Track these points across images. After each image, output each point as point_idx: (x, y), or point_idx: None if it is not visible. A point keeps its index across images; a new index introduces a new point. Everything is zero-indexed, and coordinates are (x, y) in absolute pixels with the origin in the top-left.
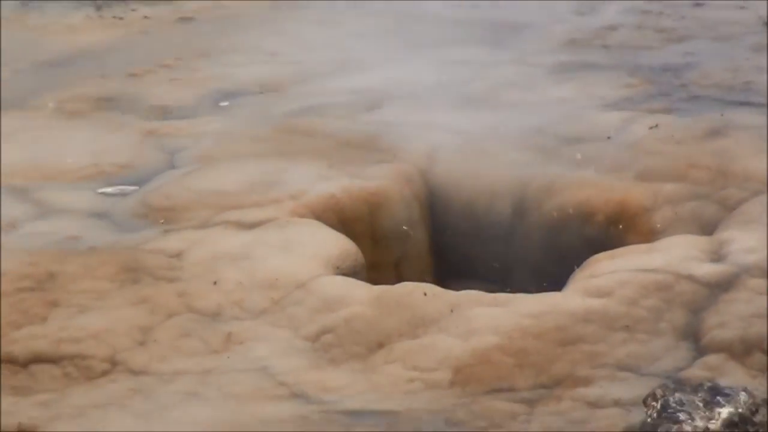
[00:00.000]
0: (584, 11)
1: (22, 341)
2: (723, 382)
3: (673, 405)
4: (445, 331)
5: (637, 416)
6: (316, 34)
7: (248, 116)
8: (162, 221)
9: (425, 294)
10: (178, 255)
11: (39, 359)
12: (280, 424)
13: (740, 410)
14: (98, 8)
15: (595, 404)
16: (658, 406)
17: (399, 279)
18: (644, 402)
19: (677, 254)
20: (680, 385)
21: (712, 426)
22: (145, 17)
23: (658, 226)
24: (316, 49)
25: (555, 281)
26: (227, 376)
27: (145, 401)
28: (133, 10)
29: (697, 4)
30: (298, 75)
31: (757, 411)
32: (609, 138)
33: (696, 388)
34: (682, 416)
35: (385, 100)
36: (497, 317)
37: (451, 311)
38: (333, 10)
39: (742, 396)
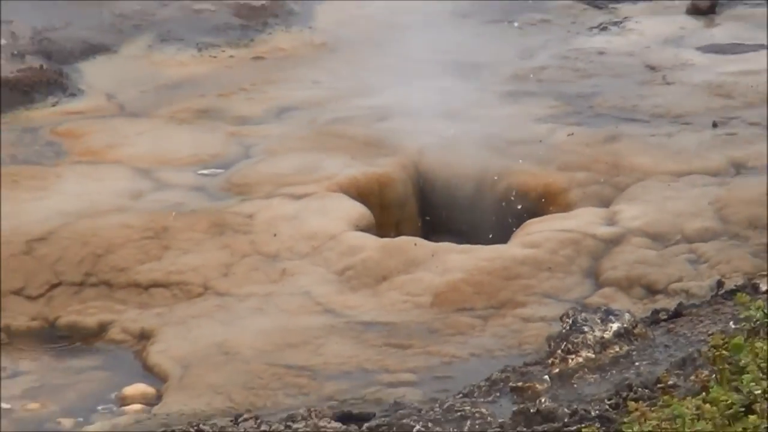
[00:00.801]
0: (524, 56)
1: (144, 272)
2: (614, 306)
3: (580, 321)
4: (428, 270)
5: (556, 328)
6: (345, 69)
7: (298, 124)
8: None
9: (415, 244)
10: (251, 216)
11: (155, 284)
12: (317, 330)
13: (625, 325)
14: (199, 49)
15: (528, 320)
16: (570, 322)
17: (398, 234)
18: (561, 318)
19: (584, 220)
20: (585, 307)
21: (606, 335)
22: (231, 56)
23: (572, 201)
24: (345, 80)
25: (503, 237)
26: (281, 298)
27: (226, 313)
28: (222, 51)
29: (601, 53)
30: (332, 96)
31: (636, 326)
32: (540, 141)
33: (595, 310)
34: (586, 328)
35: (390, 114)
36: (463, 260)
37: (432, 256)
38: (357, 54)
39: (627, 316)
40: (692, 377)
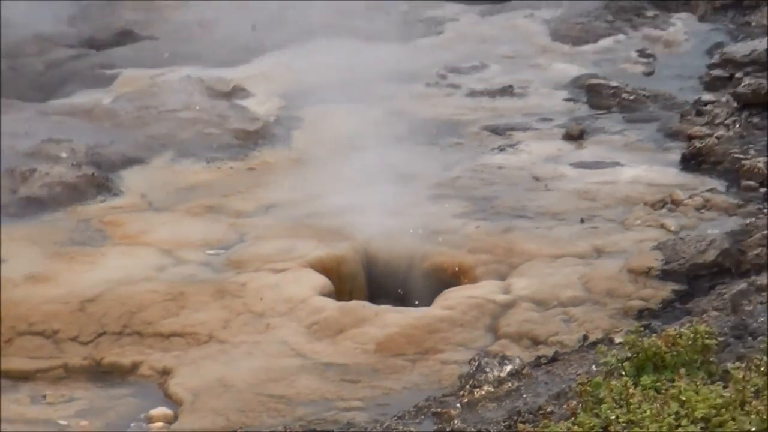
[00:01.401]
0: (445, 169)
1: (166, 325)
2: (508, 353)
3: (483, 363)
4: (373, 325)
5: (466, 369)
6: (314, 177)
7: (279, 217)
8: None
9: (363, 307)
10: (244, 284)
11: (174, 334)
12: (291, 369)
13: (516, 367)
14: (208, 162)
15: (445, 362)
16: (476, 364)
17: (351, 299)
18: (469, 362)
19: (487, 290)
20: (487, 354)
21: (502, 375)
22: (231, 167)
23: (478, 275)
24: (314, 185)
25: (427, 302)
26: (266, 345)
27: (225, 356)
28: (225, 163)
29: (500, 167)
30: (304, 197)
31: (524, 368)
32: (455, 232)
33: (494, 355)
34: (487, 369)
35: (346, 211)
36: (399, 318)
37: (376, 315)
38: (323, 166)
39: (517, 360)
40: (564, 406)
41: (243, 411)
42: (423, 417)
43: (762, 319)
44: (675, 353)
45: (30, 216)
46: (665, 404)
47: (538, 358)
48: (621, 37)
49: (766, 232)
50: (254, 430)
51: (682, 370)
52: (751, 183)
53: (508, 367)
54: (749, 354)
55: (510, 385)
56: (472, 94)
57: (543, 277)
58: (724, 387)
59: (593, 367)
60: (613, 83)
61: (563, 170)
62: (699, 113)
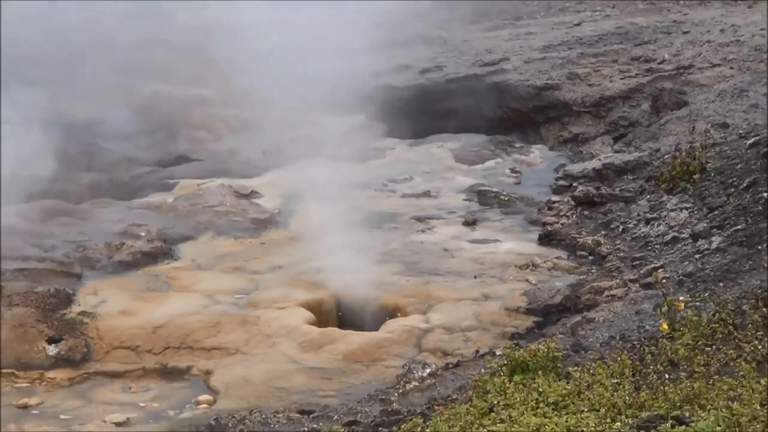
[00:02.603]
0: (386, 244)
1: (209, 342)
2: (428, 361)
3: (412, 367)
4: (341, 343)
5: (400, 371)
6: (303, 249)
7: (281, 274)
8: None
9: (335, 331)
10: (258, 317)
11: (214, 348)
12: (289, 371)
13: (433, 370)
14: (235, 239)
15: (388, 366)
16: (408, 368)
17: (327, 326)
18: (403, 366)
19: (414, 321)
20: (414, 361)
21: (424, 374)
22: (249, 242)
23: (408, 312)
24: (303, 254)
25: (376, 328)
26: (273, 355)
27: (246, 362)
28: (246, 239)
29: (422, 243)
30: (297, 261)
31: (438, 370)
32: (393, 284)
33: (419, 362)
34: (415, 371)
35: (325, 270)
36: (358, 339)
37: (344, 336)
38: (310, 242)
39: (433, 365)
40: (465, 395)
41: (258, 397)
42: (373, 402)
43: (591, 339)
44: (535, 361)
45: (121, 273)
46: (529, 393)
47: (447, 364)
48: (499, 160)
49: (594, 284)
50: (264, 410)
51: (540, 372)
52: (584, 253)
53: (428, 370)
54: (583, 362)
55: (429, 381)
56: (404, 196)
57: (450, 312)
58: (567, 383)
59: (483, 370)
60: (495, 189)
61: (463, 245)
62: (550, 208)
